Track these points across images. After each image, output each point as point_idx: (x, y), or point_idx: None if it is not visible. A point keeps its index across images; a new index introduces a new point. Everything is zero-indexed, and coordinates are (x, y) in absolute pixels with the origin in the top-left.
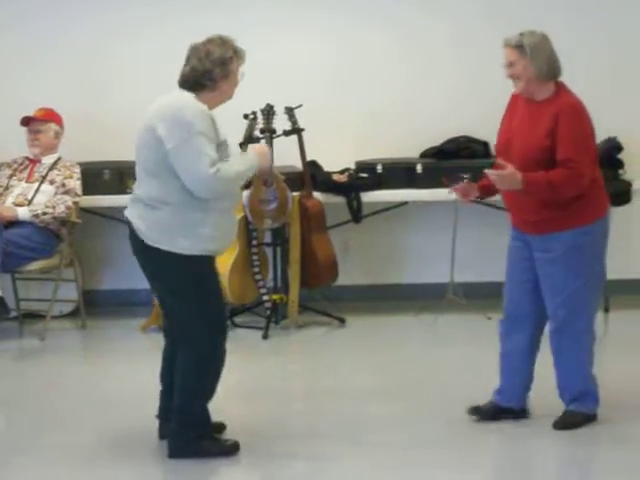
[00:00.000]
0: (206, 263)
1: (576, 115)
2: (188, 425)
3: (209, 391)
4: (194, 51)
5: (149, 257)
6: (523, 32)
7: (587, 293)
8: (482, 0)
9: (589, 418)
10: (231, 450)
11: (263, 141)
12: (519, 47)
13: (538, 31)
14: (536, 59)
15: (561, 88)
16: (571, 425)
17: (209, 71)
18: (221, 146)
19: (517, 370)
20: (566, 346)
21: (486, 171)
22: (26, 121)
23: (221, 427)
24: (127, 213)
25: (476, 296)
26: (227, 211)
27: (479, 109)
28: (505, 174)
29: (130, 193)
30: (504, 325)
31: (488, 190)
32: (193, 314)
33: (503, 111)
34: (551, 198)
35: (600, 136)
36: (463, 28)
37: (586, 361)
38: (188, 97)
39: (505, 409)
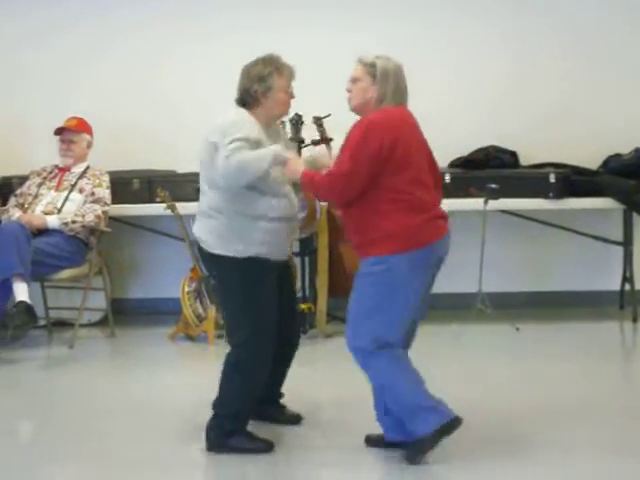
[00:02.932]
0: (259, 267)
1: (364, 129)
2: (222, 420)
3: (245, 393)
4: (241, 71)
5: (210, 264)
6: (380, 56)
7: (380, 325)
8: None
9: None
10: (264, 449)
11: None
12: (370, 67)
13: (394, 61)
14: (381, 86)
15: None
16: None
17: (248, 89)
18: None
19: None
20: None
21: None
22: (59, 130)
23: (298, 418)
24: (194, 230)
25: (504, 306)
26: (277, 220)
27: (508, 119)
28: (291, 160)
29: (159, 202)
30: None
31: None
32: (240, 316)
33: (533, 122)
34: (317, 196)
35: (630, 146)
36: (495, 38)
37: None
38: (234, 111)
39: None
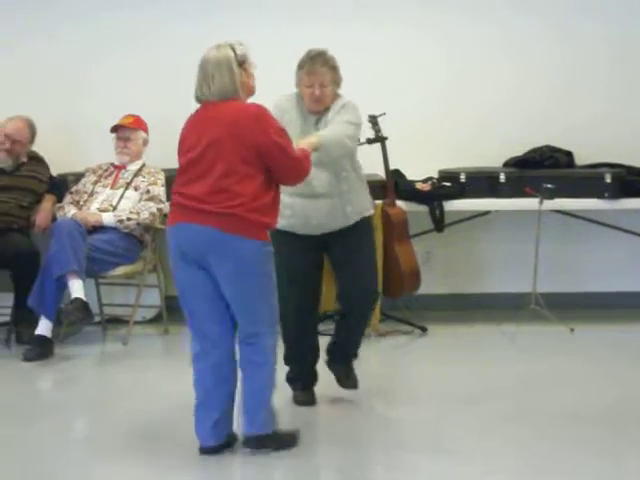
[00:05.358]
0: (281, 238)
1: None
2: None
3: None
4: None
5: None
6: (222, 44)
7: None
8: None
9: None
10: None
11: None
12: None
13: (215, 51)
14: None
15: None
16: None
17: None
18: None
19: None
20: None
21: None
22: (115, 128)
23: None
24: None
25: (559, 306)
26: (297, 196)
27: (563, 119)
28: None
29: None
30: None
31: None
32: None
33: (589, 121)
34: None
35: None
36: (552, 38)
37: None
38: None
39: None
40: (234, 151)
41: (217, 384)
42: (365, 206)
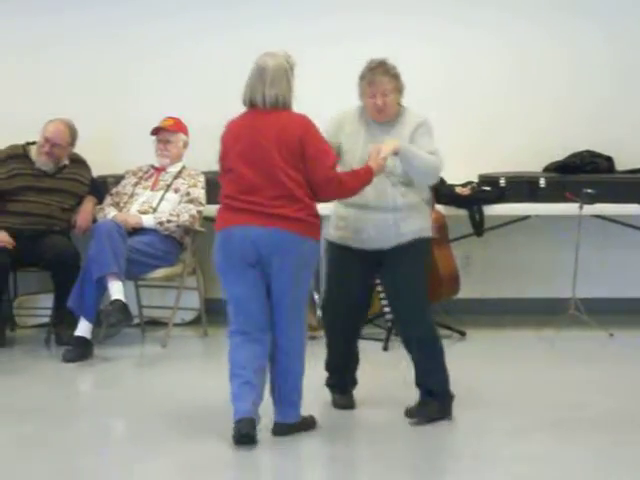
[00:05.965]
0: (335, 251)
1: None
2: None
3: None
4: None
5: None
6: (269, 52)
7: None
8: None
9: None
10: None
11: None
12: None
13: (264, 59)
14: None
15: None
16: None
17: None
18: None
19: None
20: None
21: None
22: (156, 130)
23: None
24: None
25: (598, 312)
26: (350, 206)
27: (604, 124)
28: None
29: None
30: None
31: None
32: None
33: (629, 127)
34: None
35: None
36: (595, 42)
37: None
38: None
39: None
40: (285, 159)
41: (262, 370)
42: (423, 226)
